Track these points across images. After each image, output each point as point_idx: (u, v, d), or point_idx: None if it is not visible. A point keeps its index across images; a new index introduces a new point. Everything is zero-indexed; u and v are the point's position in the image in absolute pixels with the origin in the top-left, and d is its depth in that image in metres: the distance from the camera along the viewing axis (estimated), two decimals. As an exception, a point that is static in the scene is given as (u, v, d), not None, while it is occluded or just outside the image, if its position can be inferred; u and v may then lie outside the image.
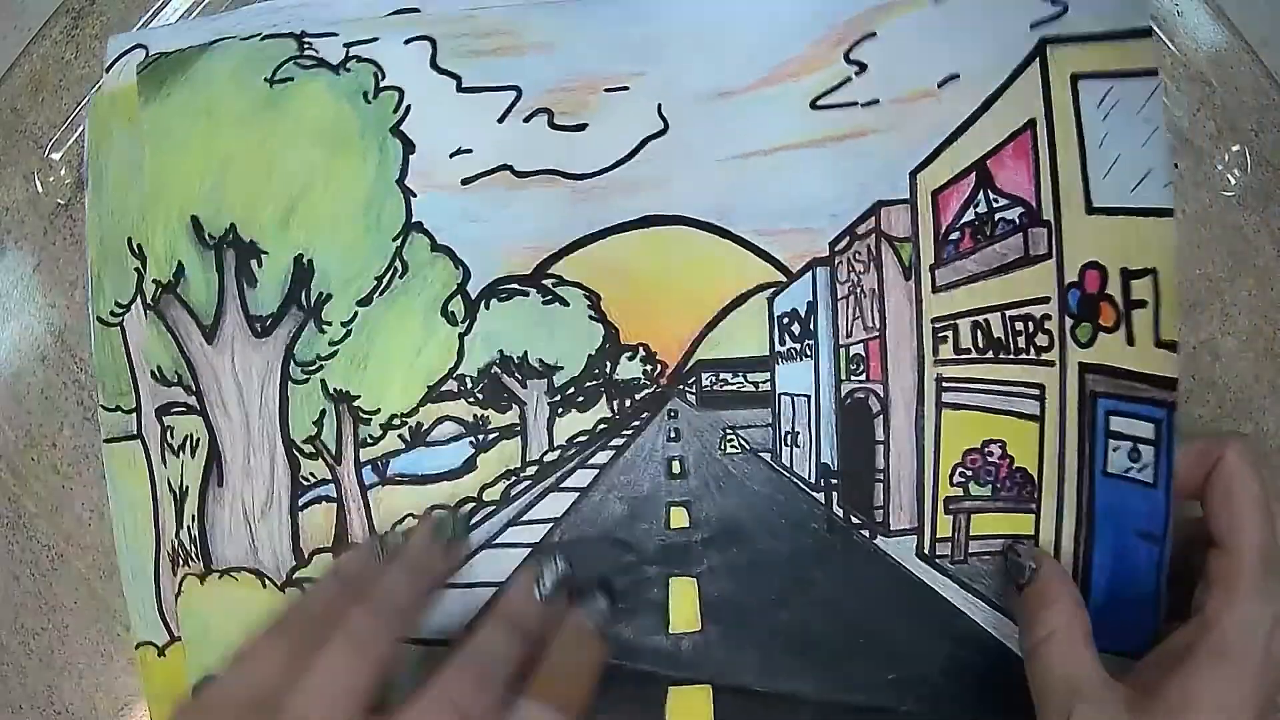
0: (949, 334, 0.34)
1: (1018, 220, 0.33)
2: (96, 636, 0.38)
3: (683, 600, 0.34)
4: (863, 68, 0.34)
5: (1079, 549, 0.33)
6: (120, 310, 0.36)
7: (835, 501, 0.34)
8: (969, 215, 0.33)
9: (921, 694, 0.34)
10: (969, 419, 0.34)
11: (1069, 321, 0.32)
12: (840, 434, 0.35)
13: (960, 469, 0.34)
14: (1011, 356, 0.33)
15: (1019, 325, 0.33)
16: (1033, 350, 0.33)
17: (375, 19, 0.35)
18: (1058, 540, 0.33)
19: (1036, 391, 0.33)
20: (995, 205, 0.33)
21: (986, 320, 0.33)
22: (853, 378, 0.35)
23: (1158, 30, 0.35)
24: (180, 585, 0.35)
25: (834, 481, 0.34)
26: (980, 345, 0.34)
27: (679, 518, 0.34)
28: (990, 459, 0.34)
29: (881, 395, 0.34)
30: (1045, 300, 0.32)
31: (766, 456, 0.35)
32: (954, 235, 0.34)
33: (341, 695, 0.25)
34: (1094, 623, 0.30)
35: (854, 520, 0.34)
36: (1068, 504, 0.33)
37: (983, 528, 0.34)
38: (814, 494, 0.35)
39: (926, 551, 0.34)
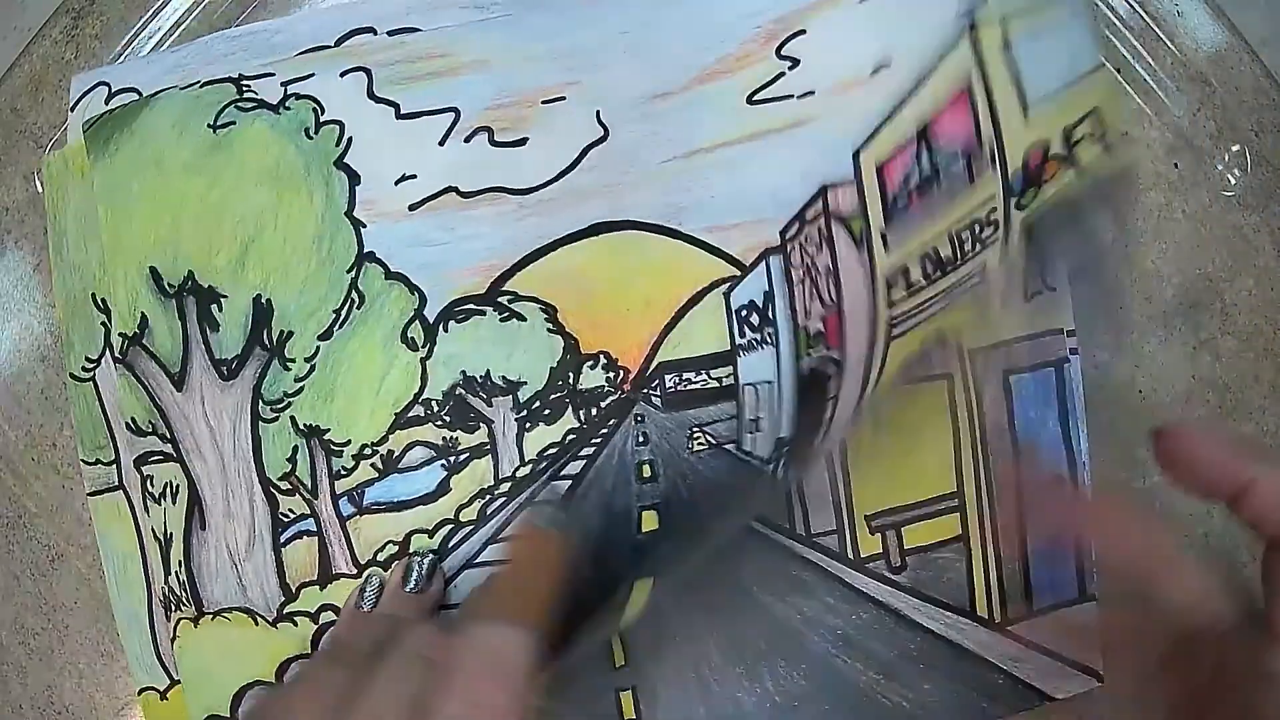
0: (900, 277, 0.33)
1: (961, 158, 0.32)
2: (96, 636, 0.39)
3: (637, 600, 0.33)
4: (795, 62, 0.34)
5: None
6: (91, 365, 0.36)
7: (781, 467, 0.34)
8: (914, 178, 0.33)
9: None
10: (911, 337, 0.33)
11: (1012, 201, 0.31)
12: (798, 405, 0.34)
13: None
14: (957, 263, 0.32)
15: (965, 235, 0.32)
16: (979, 246, 0.32)
17: (311, 56, 0.35)
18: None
19: (979, 273, 0.32)
20: (938, 162, 0.32)
21: (934, 248, 0.32)
22: (811, 353, 0.35)
23: (1157, 30, 0.36)
24: (175, 630, 0.35)
25: (784, 450, 0.34)
26: (929, 272, 0.33)
27: (649, 521, 0.34)
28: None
29: (838, 359, 0.34)
30: (990, 198, 0.31)
31: (731, 447, 0.35)
32: (901, 199, 0.33)
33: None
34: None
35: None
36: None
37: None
38: (765, 467, 0.34)
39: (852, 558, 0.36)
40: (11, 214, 0.39)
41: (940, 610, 0.36)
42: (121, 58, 0.39)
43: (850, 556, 0.36)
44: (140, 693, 0.37)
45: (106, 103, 0.36)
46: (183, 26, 0.39)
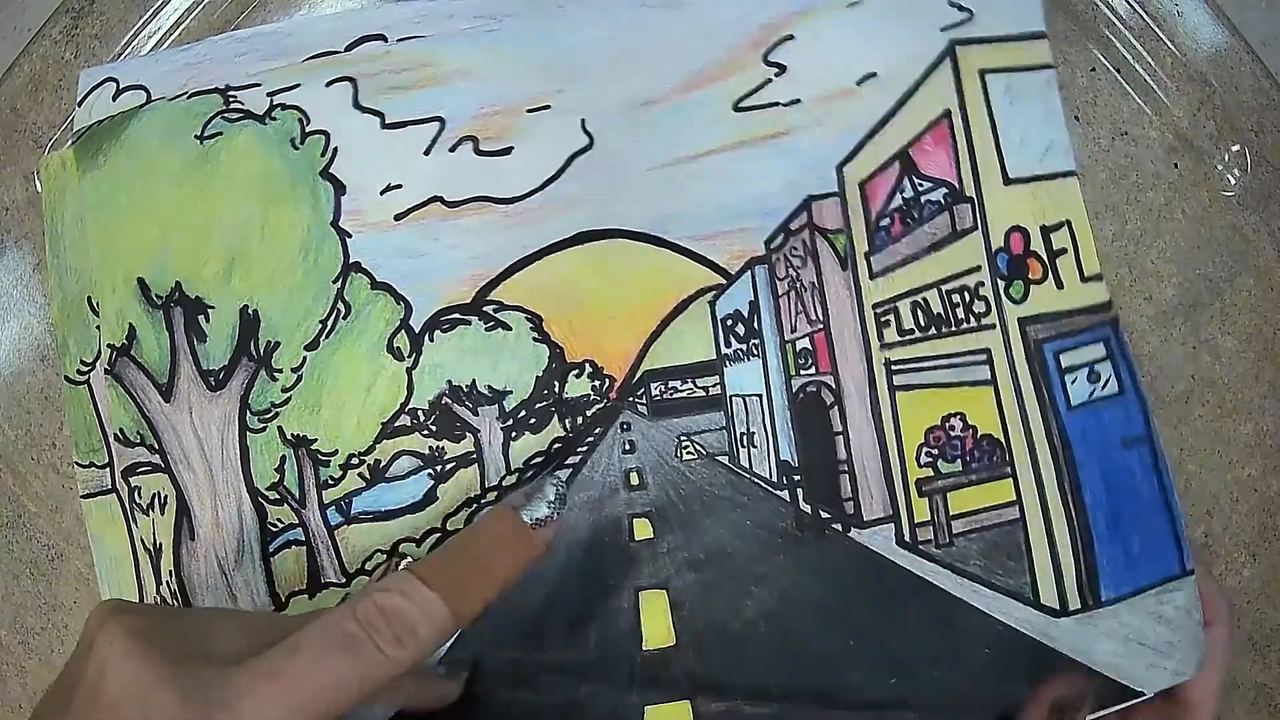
0: (890, 318, 0.34)
1: (942, 200, 0.33)
2: None
3: (654, 614, 0.34)
4: (782, 69, 0.34)
5: (1066, 494, 0.32)
6: (86, 368, 0.36)
7: (801, 498, 0.34)
8: (896, 201, 0.34)
9: (923, 693, 0.32)
10: (924, 397, 0.34)
11: (1001, 284, 0.33)
12: (796, 429, 0.35)
13: (925, 449, 0.34)
14: (954, 329, 0.33)
15: (956, 298, 0.33)
16: (972, 319, 0.33)
17: (296, 66, 0.35)
18: (1042, 495, 0.33)
19: (984, 356, 0.33)
20: (920, 189, 0.33)
21: (925, 299, 0.34)
22: (802, 372, 0.35)
23: (1157, 30, 0.36)
24: (167, 638, 0.35)
25: (797, 478, 0.34)
26: (922, 323, 0.34)
27: (643, 529, 0.34)
28: (953, 433, 0.34)
29: (833, 386, 0.34)
30: (977, 269, 0.33)
31: (724, 460, 0.35)
32: (884, 222, 0.34)
33: (308, 694, 0.22)
34: (1118, 562, 0.30)
35: (824, 514, 0.34)
36: (1041, 453, 0.33)
37: (962, 504, 0.33)
38: (777, 492, 0.35)
39: (908, 539, 0.34)
40: (11, 214, 0.39)
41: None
42: (121, 58, 0.39)
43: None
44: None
45: (114, 99, 0.36)
46: (182, 26, 0.39)
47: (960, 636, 0.33)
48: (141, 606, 0.26)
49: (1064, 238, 0.33)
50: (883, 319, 0.34)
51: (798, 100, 0.34)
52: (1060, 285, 0.33)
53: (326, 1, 0.38)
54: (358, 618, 0.23)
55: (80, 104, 0.37)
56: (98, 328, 0.36)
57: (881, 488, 0.34)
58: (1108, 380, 0.32)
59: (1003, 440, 0.33)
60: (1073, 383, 0.32)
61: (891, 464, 0.34)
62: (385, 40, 0.35)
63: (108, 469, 0.36)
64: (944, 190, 0.33)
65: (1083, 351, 0.32)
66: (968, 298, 0.33)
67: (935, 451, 0.34)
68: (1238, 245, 0.36)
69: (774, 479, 0.35)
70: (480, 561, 0.26)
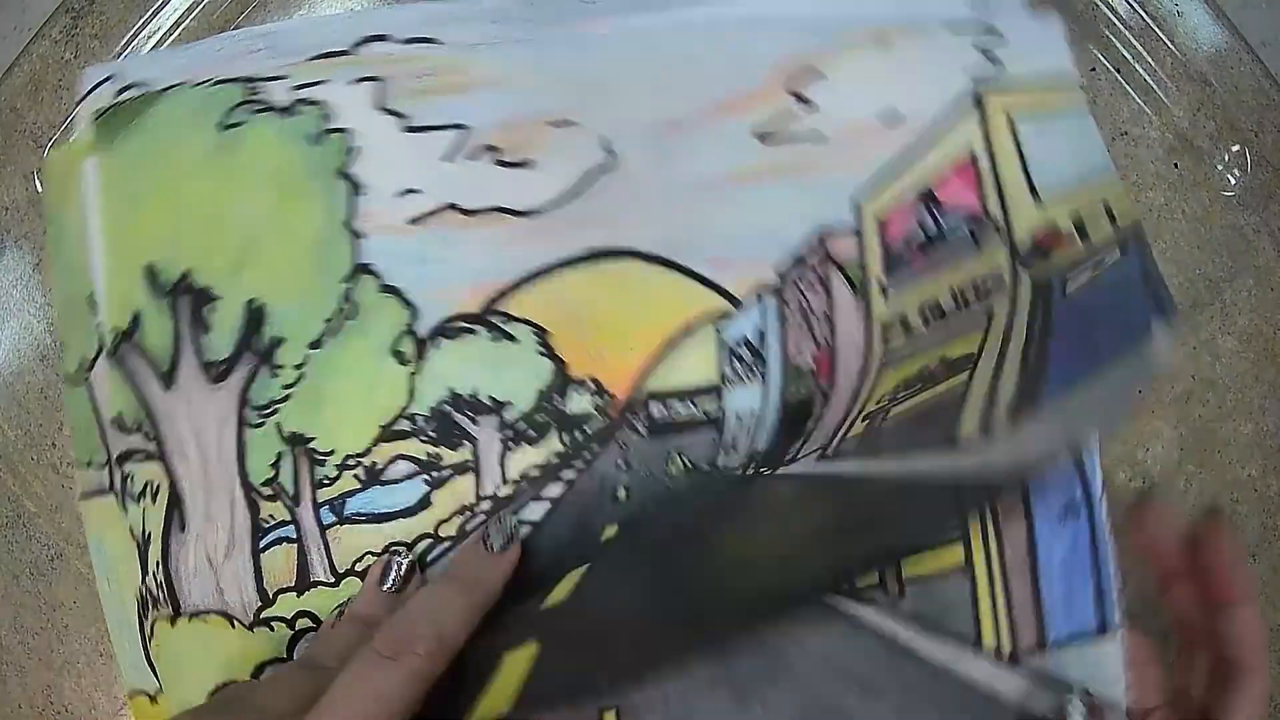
0: (899, 325, 0.33)
1: (965, 226, 0.33)
2: (96, 636, 0.38)
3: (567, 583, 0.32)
4: (808, 103, 0.34)
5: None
6: (86, 368, 0.36)
7: (754, 467, 0.33)
8: (917, 235, 0.33)
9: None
10: (908, 364, 0.33)
11: (1018, 263, 0.32)
12: (780, 427, 0.34)
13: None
14: (958, 310, 0.33)
15: (968, 291, 0.33)
16: (980, 297, 0.32)
17: (326, 61, 0.35)
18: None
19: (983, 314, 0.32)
20: (941, 220, 0.33)
21: (936, 300, 0.33)
22: (799, 386, 0.34)
23: (1157, 30, 0.36)
24: (152, 629, 0.35)
25: (756, 459, 0.33)
26: (928, 319, 0.33)
27: (609, 531, 0.34)
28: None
29: (826, 390, 0.34)
30: (996, 267, 0.32)
31: (705, 465, 0.34)
32: (901, 252, 0.34)
33: (369, 705, 0.25)
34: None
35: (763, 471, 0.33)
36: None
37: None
38: (736, 474, 0.34)
39: (829, 452, 0.32)
40: (11, 214, 0.39)
41: (944, 641, 0.32)
42: (121, 58, 0.39)
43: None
44: (131, 697, 0.37)
45: (116, 98, 0.36)
46: (182, 26, 0.39)
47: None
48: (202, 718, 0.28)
49: (1098, 214, 0.31)
50: (889, 328, 0.34)
51: (821, 135, 0.34)
52: (1085, 237, 0.31)
53: (326, 2, 0.38)
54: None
55: (81, 101, 0.37)
56: (98, 327, 0.36)
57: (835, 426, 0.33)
58: None
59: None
60: None
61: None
62: (389, 41, 0.35)
63: (106, 469, 0.36)
64: (967, 217, 0.33)
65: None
66: (983, 284, 0.32)
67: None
68: (1238, 245, 0.36)
69: (737, 467, 0.34)
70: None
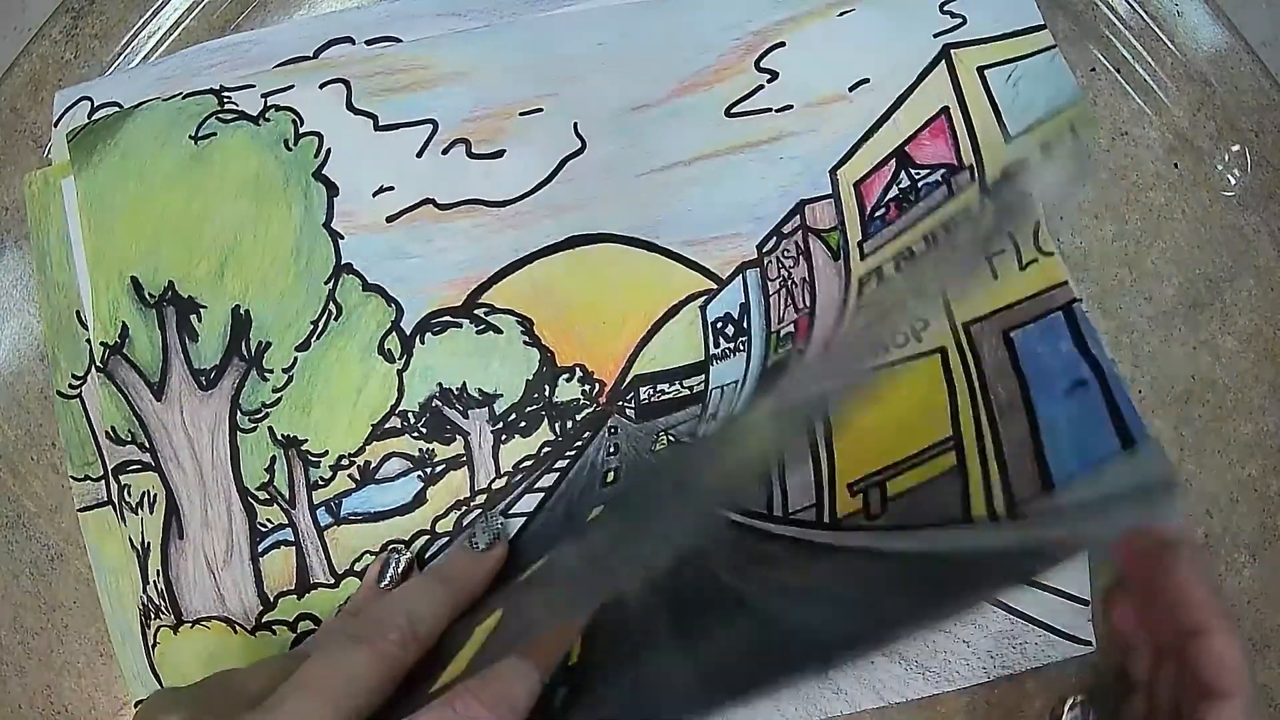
0: (873, 278, 0.33)
1: (940, 178, 0.33)
2: (96, 636, 0.38)
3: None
4: (774, 75, 0.34)
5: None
6: (78, 383, 0.36)
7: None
8: (892, 193, 0.33)
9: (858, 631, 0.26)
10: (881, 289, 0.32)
11: (986, 199, 0.31)
12: (755, 391, 0.33)
13: None
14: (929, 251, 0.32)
15: (939, 231, 0.31)
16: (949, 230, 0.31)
17: (291, 68, 0.36)
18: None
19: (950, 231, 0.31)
20: (917, 177, 0.33)
21: (910, 248, 0.32)
22: (780, 350, 0.34)
23: (1157, 30, 0.36)
24: (155, 637, 0.35)
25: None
26: (899, 265, 0.32)
27: (594, 514, 0.34)
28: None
29: (802, 348, 0.33)
30: (968, 203, 0.32)
31: (687, 439, 0.34)
32: (879, 212, 0.33)
33: (337, 683, 0.25)
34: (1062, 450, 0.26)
35: None
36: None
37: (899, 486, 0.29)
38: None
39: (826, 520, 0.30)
40: (11, 214, 0.39)
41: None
42: (121, 58, 0.39)
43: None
44: (136, 705, 0.37)
45: (89, 118, 0.36)
46: (182, 26, 0.39)
47: (886, 583, 0.27)
48: (181, 696, 0.28)
49: (1064, 135, 0.31)
50: (866, 283, 0.33)
51: (789, 106, 0.34)
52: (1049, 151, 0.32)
53: (326, 2, 0.38)
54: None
55: (56, 124, 0.37)
56: (87, 341, 0.36)
57: None
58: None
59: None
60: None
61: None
62: (353, 43, 0.35)
63: (103, 481, 0.36)
64: (942, 170, 0.32)
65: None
66: (952, 222, 0.31)
67: None
68: (1238, 245, 0.36)
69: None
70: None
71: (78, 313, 0.36)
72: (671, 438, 0.34)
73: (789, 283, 0.34)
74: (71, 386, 0.36)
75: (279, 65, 0.35)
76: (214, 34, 0.38)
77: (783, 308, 0.34)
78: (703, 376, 0.34)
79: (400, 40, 0.35)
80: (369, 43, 0.35)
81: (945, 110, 0.32)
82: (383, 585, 0.33)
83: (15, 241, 0.39)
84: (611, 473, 0.34)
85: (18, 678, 0.39)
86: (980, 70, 0.32)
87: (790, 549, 0.30)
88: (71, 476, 0.37)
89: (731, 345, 0.34)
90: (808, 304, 0.34)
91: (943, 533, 0.27)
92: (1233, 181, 0.36)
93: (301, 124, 0.35)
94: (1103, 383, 0.27)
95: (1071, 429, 0.26)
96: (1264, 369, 0.36)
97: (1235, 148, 0.36)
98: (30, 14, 0.40)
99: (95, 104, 0.37)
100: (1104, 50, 0.36)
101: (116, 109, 0.36)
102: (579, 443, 0.34)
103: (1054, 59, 0.32)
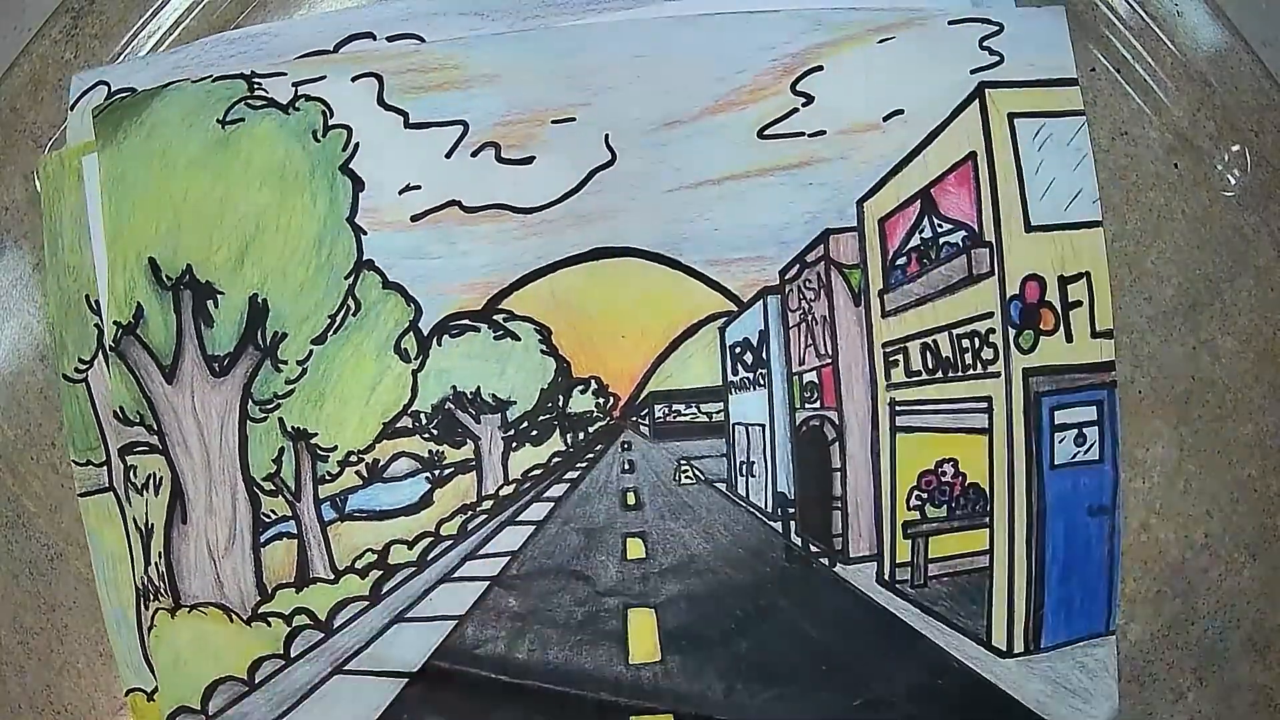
0: (899, 357, 0.34)
1: (961, 243, 0.33)
2: (96, 636, 0.39)
3: (642, 631, 0.34)
4: (810, 99, 0.34)
5: (1032, 549, 0.33)
6: (84, 366, 0.36)
7: (793, 531, 0.34)
8: (914, 240, 0.34)
9: (883, 716, 0.34)
10: (922, 441, 0.34)
11: (1012, 332, 0.33)
12: (796, 462, 0.35)
13: (916, 492, 0.34)
14: (960, 374, 0.34)
15: (966, 343, 0.33)
16: (979, 365, 0.33)
17: (324, 58, 0.35)
18: (1011, 548, 0.33)
19: (985, 404, 0.33)
20: (939, 230, 0.33)
21: (935, 341, 0.34)
22: (806, 405, 0.35)
23: (1157, 30, 0.36)
24: (153, 619, 0.35)
25: (791, 510, 0.34)
26: (930, 366, 0.34)
27: (635, 549, 0.34)
28: (944, 479, 0.34)
29: (836, 422, 0.34)
30: (989, 315, 0.33)
31: (722, 486, 0.35)
32: (900, 260, 0.34)
33: None
34: (1060, 615, 0.32)
35: (813, 549, 0.34)
36: (1019, 508, 0.33)
37: (940, 549, 0.34)
38: (771, 523, 0.35)
39: (887, 578, 0.34)
40: (11, 214, 0.39)
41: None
42: (121, 57, 0.38)
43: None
44: (128, 693, 0.37)
45: (108, 101, 0.36)
46: (182, 26, 0.38)
47: (920, 668, 0.34)
48: None
49: (1081, 290, 0.33)
50: (891, 358, 0.34)
51: (822, 132, 0.34)
52: (1070, 339, 0.33)
53: (326, 2, 0.38)
54: None
55: (73, 108, 0.37)
56: (95, 326, 0.36)
57: (870, 527, 0.34)
58: (1091, 446, 0.33)
59: (987, 490, 0.34)
60: (1060, 441, 0.33)
61: (883, 504, 0.34)
62: (374, 39, 0.35)
63: (105, 467, 0.36)
64: (963, 233, 0.33)
65: (1078, 411, 0.33)
66: (977, 344, 0.33)
67: (925, 495, 0.34)
68: (1238, 245, 0.36)
69: (769, 509, 0.35)
70: None
71: (87, 296, 0.36)
72: (698, 471, 0.34)
73: (809, 317, 0.34)
74: (78, 370, 0.36)
75: (299, 58, 0.35)
76: (214, 34, 0.38)
77: (803, 347, 0.35)
78: (721, 405, 0.34)
79: (423, 39, 0.35)
80: (390, 39, 0.35)
81: (972, 156, 0.33)
82: None
83: (15, 241, 0.39)
84: (631, 493, 0.34)
85: (17, 677, 0.39)
86: (1010, 118, 0.32)
87: (850, 598, 0.35)
88: (73, 461, 0.37)
89: (751, 376, 0.35)
90: (829, 351, 0.34)
91: (965, 643, 0.34)
92: (1232, 181, 0.36)
93: (331, 115, 0.34)
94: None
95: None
96: (1264, 369, 0.36)
97: (1235, 148, 0.36)
98: (30, 14, 0.40)
99: (112, 89, 0.36)
100: (1104, 50, 0.36)
101: (132, 95, 0.36)
102: (590, 455, 0.34)
103: (1080, 129, 0.33)
